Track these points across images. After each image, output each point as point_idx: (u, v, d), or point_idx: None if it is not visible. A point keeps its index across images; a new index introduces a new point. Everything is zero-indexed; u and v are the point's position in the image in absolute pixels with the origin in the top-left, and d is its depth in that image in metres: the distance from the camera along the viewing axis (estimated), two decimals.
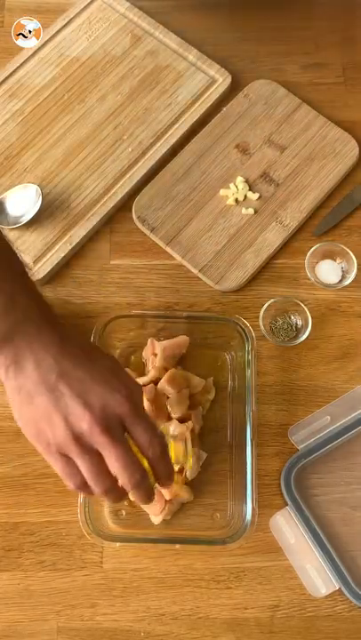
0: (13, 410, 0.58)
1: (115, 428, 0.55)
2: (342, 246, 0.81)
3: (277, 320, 0.81)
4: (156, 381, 0.75)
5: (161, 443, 0.58)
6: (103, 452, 0.55)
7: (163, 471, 0.59)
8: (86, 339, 0.59)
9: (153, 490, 0.59)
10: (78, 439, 0.55)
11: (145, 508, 0.72)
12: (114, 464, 0.55)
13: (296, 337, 0.79)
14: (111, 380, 0.57)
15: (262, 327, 0.78)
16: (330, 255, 0.83)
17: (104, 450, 0.55)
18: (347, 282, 0.81)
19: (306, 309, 0.79)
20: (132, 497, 0.59)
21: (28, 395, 0.56)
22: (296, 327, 0.80)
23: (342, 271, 0.82)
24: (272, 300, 0.79)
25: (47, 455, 0.57)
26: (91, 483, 0.56)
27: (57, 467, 0.57)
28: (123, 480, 0.55)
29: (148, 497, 0.58)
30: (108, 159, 0.87)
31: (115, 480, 0.56)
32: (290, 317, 0.81)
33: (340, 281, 0.82)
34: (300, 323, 0.80)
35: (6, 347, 0.56)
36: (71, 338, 0.59)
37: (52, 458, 0.56)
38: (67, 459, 0.56)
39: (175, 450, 0.69)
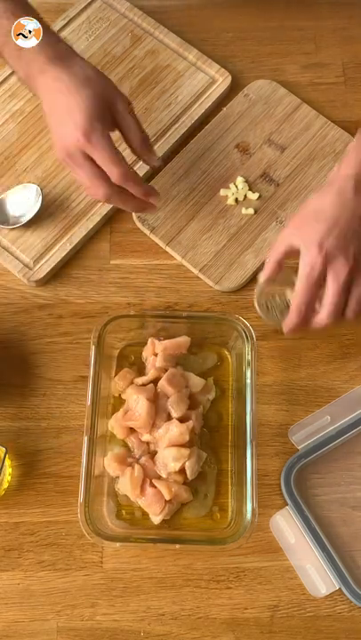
0: (41, 100, 0.74)
1: (97, 134, 0.69)
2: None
3: (275, 297, 0.74)
4: (156, 381, 0.76)
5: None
6: (93, 157, 0.70)
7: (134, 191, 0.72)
8: (79, 72, 0.72)
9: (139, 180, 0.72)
10: (70, 156, 0.70)
11: (145, 508, 0.72)
12: (101, 165, 0.70)
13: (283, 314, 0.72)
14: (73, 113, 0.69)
15: (257, 306, 0.74)
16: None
17: (92, 155, 0.70)
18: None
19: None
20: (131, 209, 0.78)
21: (50, 96, 0.73)
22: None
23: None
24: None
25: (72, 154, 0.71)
26: (91, 192, 0.72)
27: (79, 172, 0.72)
28: (111, 174, 0.70)
29: (143, 192, 0.73)
30: None
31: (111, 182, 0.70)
32: (289, 294, 0.72)
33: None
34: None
35: (28, 82, 0.75)
36: (64, 72, 0.71)
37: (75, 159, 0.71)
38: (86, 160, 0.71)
39: None
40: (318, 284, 0.67)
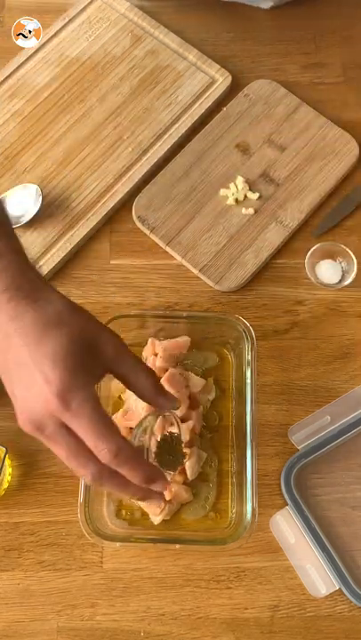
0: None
1: (78, 394, 0.49)
2: (342, 246, 0.82)
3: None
4: None
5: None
6: (72, 427, 0.50)
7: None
8: (46, 312, 0.52)
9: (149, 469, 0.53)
10: (40, 427, 0.51)
11: (145, 508, 0.72)
12: (84, 439, 0.50)
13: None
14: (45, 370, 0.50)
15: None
16: (330, 255, 0.83)
17: (71, 425, 0.50)
18: (347, 282, 0.81)
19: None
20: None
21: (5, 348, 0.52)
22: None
23: (343, 271, 0.82)
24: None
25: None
26: (73, 468, 0.51)
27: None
28: (98, 453, 0.50)
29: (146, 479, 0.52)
30: (109, 159, 0.87)
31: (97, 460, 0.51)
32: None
33: (340, 281, 0.82)
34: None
35: None
36: (25, 314, 0.51)
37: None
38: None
39: None
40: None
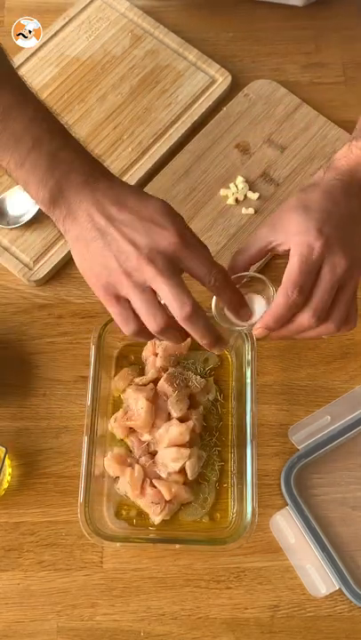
0: (75, 259, 0.60)
1: (164, 263, 0.55)
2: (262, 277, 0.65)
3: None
4: (155, 381, 0.75)
5: (221, 270, 0.58)
6: (154, 286, 0.56)
7: (230, 298, 0.60)
8: (134, 186, 0.61)
9: (209, 325, 0.57)
10: (130, 276, 0.56)
11: (145, 508, 0.72)
12: (165, 296, 0.55)
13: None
14: (160, 219, 0.57)
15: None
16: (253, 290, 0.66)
17: (154, 283, 0.55)
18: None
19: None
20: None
21: (84, 242, 0.58)
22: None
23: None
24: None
25: (105, 301, 0.59)
26: (145, 320, 0.57)
27: (114, 312, 0.58)
28: (174, 311, 0.55)
29: (204, 333, 0.57)
30: (108, 159, 0.87)
31: (169, 318, 0.56)
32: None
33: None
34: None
35: (59, 201, 0.59)
36: (118, 184, 0.60)
37: (109, 303, 0.58)
38: (123, 303, 0.58)
39: None
40: (315, 269, 0.58)
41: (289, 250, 0.60)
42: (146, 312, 0.56)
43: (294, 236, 0.59)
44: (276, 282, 0.81)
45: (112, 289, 0.58)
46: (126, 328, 0.59)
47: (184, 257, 0.56)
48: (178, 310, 0.55)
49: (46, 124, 0.60)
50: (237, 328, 0.64)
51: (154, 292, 0.56)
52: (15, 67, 0.90)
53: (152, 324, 0.57)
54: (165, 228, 0.56)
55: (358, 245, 0.61)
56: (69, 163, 0.59)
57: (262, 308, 0.63)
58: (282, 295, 0.58)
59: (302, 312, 0.59)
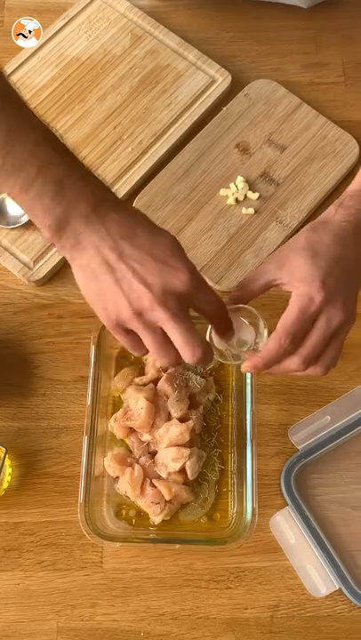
0: (80, 286, 0.59)
1: (176, 305, 0.56)
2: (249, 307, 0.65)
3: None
4: (155, 381, 0.75)
5: (223, 307, 0.61)
6: (165, 328, 0.56)
7: (224, 331, 0.62)
8: (145, 217, 0.59)
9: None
10: (141, 316, 0.56)
11: (145, 508, 0.72)
12: (177, 340, 0.56)
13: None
14: (171, 259, 0.56)
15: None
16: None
17: (165, 325, 0.56)
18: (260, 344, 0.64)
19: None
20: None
21: (92, 272, 0.57)
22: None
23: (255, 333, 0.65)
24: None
25: (112, 330, 0.59)
26: (156, 356, 0.59)
27: (122, 340, 0.60)
28: (185, 355, 0.57)
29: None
30: (108, 159, 0.87)
31: (178, 356, 0.58)
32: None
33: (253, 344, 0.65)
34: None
35: (66, 230, 0.57)
36: (127, 215, 0.58)
37: (116, 333, 0.59)
38: (132, 333, 0.58)
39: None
40: (312, 319, 0.59)
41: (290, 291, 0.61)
42: (157, 351, 0.58)
43: (298, 282, 0.60)
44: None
45: (122, 324, 0.58)
46: (138, 353, 0.61)
47: (195, 297, 0.57)
48: (189, 354, 0.57)
49: (52, 148, 0.57)
50: (227, 362, 0.66)
51: (164, 333, 0.57)
52: (15, 67, 0.91)
53: (163, 360, 0.59)
54: (178, 268, 0.56)
55: (358, 294, 0.62)
56: (77, 191, 0.56)
57: (251, 337, 0.64)
58: (274, 341, 0.59)
59: (292, 357, 0.60)
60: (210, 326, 0.63)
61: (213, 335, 0.64)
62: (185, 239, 0.84)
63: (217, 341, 0.64)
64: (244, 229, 0.84)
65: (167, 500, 0.71)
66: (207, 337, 0.64)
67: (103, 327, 0.74)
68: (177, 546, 0.70)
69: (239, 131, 0.89)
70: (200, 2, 0.97)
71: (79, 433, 0.74)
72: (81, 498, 0.69)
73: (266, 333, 0.65)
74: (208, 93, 0.91)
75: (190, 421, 0.73)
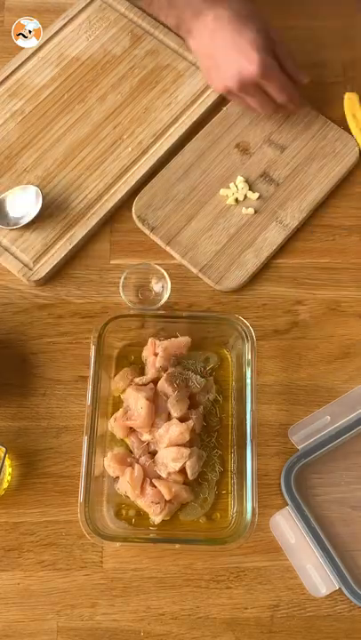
0: (196, 41, 0.82)
1: (272, 67, 0.79)
2: (156, 266, 0.80)
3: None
4: (155, 381, 0.75)
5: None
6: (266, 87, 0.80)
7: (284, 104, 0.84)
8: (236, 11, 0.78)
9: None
10: (243, 88, 0.80)
11: (145, 508, 0.72)
12: (273, 92, 0.81)
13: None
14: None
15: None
16: (146, 276, 0.81)
17: (267, 87, 0.80)
18: (161, 302, 0.80)
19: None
20: None
21: (210, 34, 0.79)
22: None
23: (154, 293, 0.81)
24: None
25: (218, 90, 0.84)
26: (263, 108, 0.84)
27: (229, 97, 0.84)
28: (281, 98, 0.82)
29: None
30: (108, 159, 0.87)
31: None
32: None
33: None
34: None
35: (181, 27, 0.84)
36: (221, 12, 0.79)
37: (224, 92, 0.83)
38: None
39: None
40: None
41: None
42: (260, 106, 0.84)
43: None
44: (272, 281, 0.81)
45: (227, 87, 0.82)
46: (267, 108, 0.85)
47: (265, 80, 0.79)
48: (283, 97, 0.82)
49: None
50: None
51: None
52: (15, 67, 0.91)
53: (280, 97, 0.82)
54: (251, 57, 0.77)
55: None
56: (185, 4, 0.81)
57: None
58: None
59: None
60: (122, 277, 0.78)
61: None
62: (185, 239, 0.84)
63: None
64: (244, 229, 0.84)
65: (167, 499, 0.71)
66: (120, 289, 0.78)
67: (103, 327, 0.74)
68: (177, 546, 0.70)
69: (239, 131, 0.89)
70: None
71: (79, 433, 0.75)
72: (81, 498, 0.69)
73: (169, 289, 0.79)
74: (208, 93, 0.91)
75: (190, 421, 0.73)
